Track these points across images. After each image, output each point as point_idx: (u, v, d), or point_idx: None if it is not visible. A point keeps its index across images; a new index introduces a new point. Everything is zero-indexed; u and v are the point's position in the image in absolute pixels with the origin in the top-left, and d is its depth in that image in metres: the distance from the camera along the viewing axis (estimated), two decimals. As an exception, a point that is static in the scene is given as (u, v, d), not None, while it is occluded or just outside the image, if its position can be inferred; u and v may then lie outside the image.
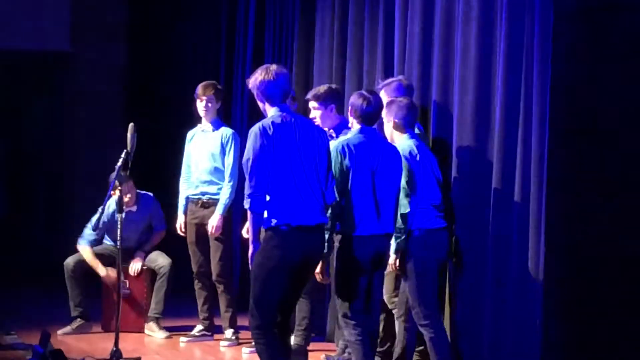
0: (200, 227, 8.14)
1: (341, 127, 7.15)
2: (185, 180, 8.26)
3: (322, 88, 7.34)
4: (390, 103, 6.61)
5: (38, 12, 11.10)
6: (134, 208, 8.53)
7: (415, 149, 6.49)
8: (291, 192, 5.83)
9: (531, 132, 6.37)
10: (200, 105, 8.12)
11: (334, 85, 7.46)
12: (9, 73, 11.44)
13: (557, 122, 6.23)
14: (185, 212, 8.24)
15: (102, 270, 8.37)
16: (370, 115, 6.32)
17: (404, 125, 6.59)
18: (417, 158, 6.46)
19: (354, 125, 6.38)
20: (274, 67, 5.98)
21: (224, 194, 7.99)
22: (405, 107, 6.57)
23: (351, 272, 6.12)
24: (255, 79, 5.95)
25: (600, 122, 6.23)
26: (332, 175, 6.05)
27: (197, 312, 8.33)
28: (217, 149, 8.01)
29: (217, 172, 8.04)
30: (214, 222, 7.97)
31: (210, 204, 8.05)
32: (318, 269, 6.26)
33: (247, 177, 5.83)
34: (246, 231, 8.02)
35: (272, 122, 5.85)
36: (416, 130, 6.75)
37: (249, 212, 5.88)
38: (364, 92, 6.46)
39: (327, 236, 6.10)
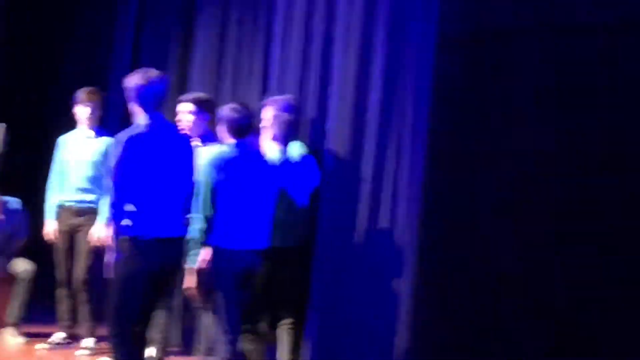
0: (73, 235, 8.00)
1: (207, 138, 7.13)
2: (57, 186, 8.07)
3: (205, 95, 7.35)
4: (273, 117, 6.65)
5: None
6: (2, 217, 8.37)
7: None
8: (152, 204, 5.86)
9: (404, 154, 6.45)
10: (85, 111, 7.95)
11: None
12: None
13: (434, 145, 6.34)
14: (57, 219, 8.07)
15: None
16: (243, 127, 6.34)
17: (278, 140, 6.62)
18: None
19: (227, 139, 6.36)
20: (153, 72, 5.97)
21: (107, 203, 7.84)
22: (285, 123, 6.64)
23: (223, 286, 6.16)
24: (131, 81, 5.94)
25: (474, 146, 6.37)
26: (196, 190, 6.06)
27: (56, 319, 8.21)
28: (99, 157, 7.81)
29: (97, 180, 7.85)
30: (99, 232, 7.69)
31: (86, 212, 7.88)
32: (185, 285, 6.31)
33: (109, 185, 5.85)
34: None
35: (138, 133, 5.84)
36: (297, 148, 6.77)
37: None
38: (234, 104, 6.51)
39: (195, 249, 6.13)
